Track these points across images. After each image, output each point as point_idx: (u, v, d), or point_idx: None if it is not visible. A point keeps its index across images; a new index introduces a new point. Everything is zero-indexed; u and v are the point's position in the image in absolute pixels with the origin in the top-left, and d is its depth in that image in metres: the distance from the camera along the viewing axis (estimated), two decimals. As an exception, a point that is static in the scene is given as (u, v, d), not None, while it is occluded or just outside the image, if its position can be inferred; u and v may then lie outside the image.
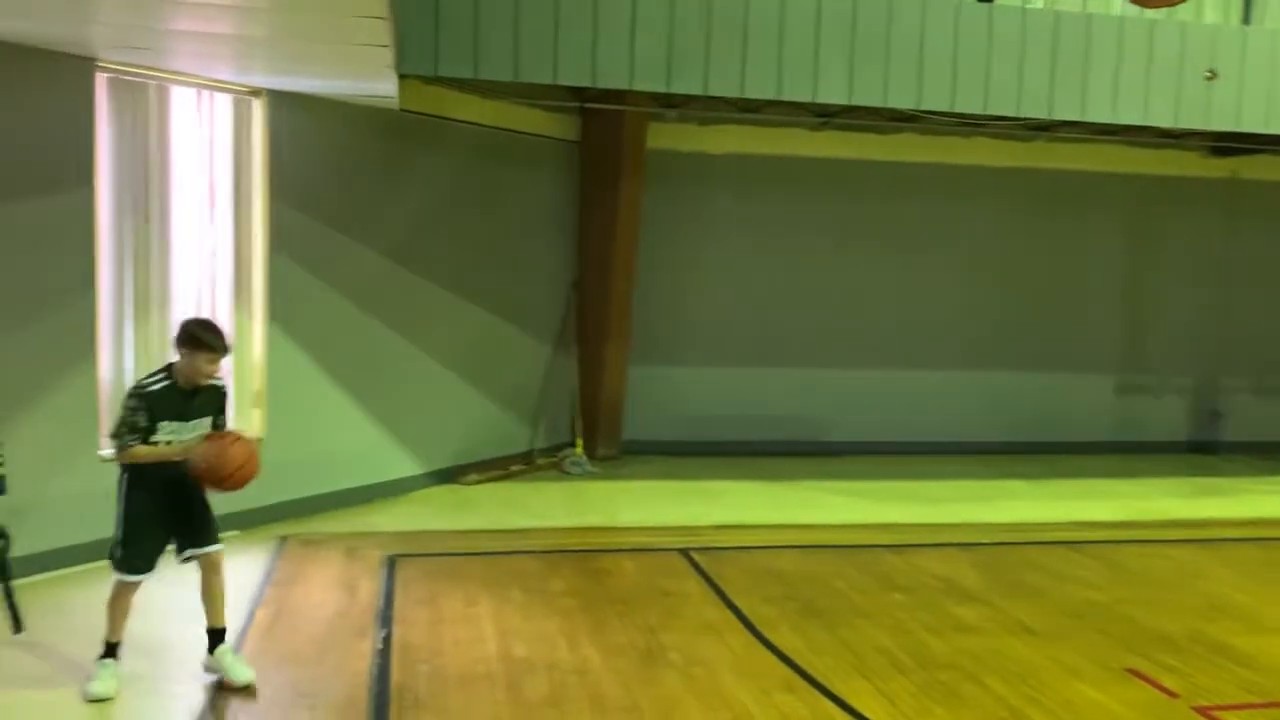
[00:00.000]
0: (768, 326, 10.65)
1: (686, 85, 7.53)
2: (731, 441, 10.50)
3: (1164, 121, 8.31)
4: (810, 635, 5.51)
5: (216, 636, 4.75)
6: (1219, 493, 9.85)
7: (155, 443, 4.43)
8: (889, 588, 6.41)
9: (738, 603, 6.02)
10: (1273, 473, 10.70)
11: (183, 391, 4.50)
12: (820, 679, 4.92)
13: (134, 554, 4.52)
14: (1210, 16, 8.73)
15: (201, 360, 4.45)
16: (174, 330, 4.63)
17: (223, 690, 4.63)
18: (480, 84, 8.14)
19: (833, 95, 7.66)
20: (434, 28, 6.86)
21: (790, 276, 10.68)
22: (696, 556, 6.94)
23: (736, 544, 7.38)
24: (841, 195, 10.68)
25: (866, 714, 4.55)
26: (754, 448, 10.47)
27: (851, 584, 6.46)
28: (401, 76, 6.72)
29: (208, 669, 4.76)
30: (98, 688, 4.50)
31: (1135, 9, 8.63)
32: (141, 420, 4.39)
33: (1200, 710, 4.72)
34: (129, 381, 6.42)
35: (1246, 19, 8.70)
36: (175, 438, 4.47)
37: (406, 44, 6.61)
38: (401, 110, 7.71)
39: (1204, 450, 11.64)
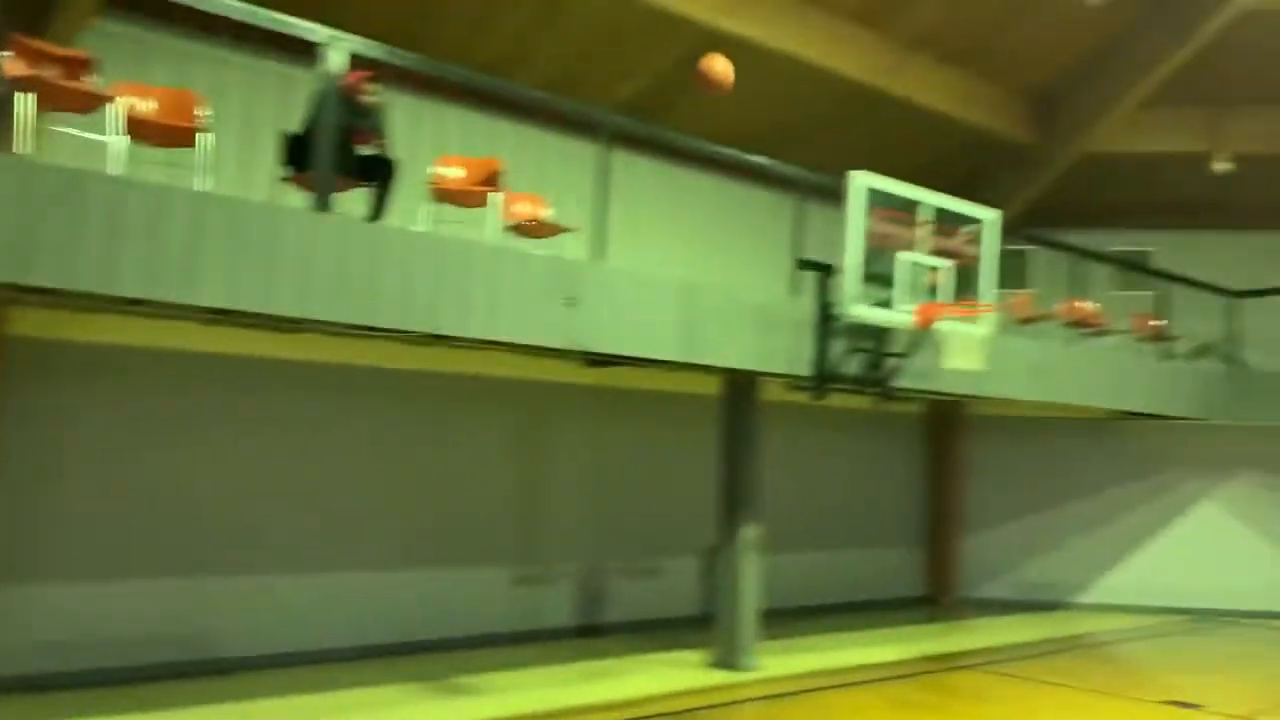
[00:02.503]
0: (145, 533, 9.70)
1: (46, 278, 6.83)
2: (93, 670, 9.25)
3: (537, 340, 9.18)
4: None
5: None
6: (602, 675, 10.65)
7: None
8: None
9: None
10: (647, 649, 11.84)
11: None
12: None
13: None
14: (572, 252, 10.02)
15: None
16: None
17: None
18: None
19: (214, 299, 7.41)
20: None
21: (178, 479, 9.91)
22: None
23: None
24: (236, 391, 10.29)
25: None
26: (122, 675, 9.32)
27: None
28: None
29: None
30: None
31: (513, 239, 9.61)
32: None
33: None
34: None
35: (600, 256, 10.09)
36: None
37: None
38: None
39: (591, 633, 12.67)
